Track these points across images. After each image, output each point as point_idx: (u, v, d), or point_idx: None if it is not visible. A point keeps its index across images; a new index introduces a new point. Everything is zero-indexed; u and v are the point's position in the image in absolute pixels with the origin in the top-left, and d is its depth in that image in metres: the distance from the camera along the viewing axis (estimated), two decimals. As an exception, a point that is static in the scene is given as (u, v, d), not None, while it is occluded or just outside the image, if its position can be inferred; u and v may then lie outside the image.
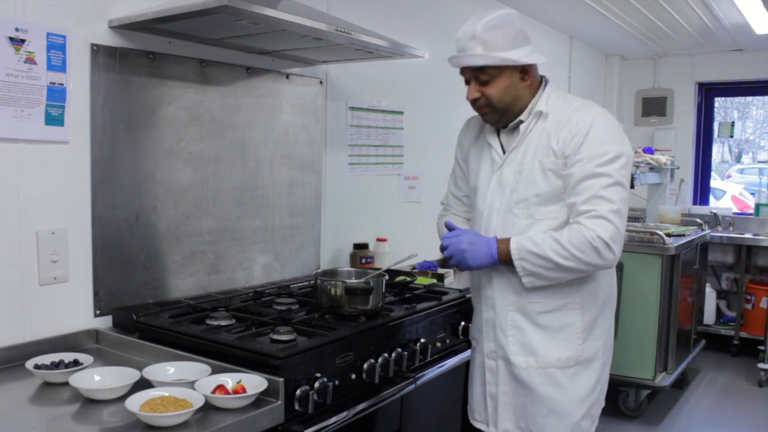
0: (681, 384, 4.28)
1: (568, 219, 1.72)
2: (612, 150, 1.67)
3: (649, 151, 4.64)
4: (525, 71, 1.75)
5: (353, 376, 1.76)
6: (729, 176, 9.07)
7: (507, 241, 1.71)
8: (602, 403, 1.88)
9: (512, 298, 1.79)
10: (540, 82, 1.82)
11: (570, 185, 1.69)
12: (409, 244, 3.05)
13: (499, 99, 1.74)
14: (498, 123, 1.82)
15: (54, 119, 1.74)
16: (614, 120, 1.76)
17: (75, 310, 1.83)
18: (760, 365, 4.43)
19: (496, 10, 1.73)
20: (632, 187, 3.94)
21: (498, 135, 1.86)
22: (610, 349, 1.87)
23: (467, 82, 1.79)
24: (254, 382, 1.46)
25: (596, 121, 1.70)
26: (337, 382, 1.68)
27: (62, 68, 1.75)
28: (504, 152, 1.83)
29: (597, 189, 1.65)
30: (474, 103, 1.78)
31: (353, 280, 1.98)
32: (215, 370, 1.53)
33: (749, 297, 4.96)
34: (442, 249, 1.78)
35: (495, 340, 1.83)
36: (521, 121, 1.79)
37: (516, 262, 1.69)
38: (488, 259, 1.73)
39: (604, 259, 1.65)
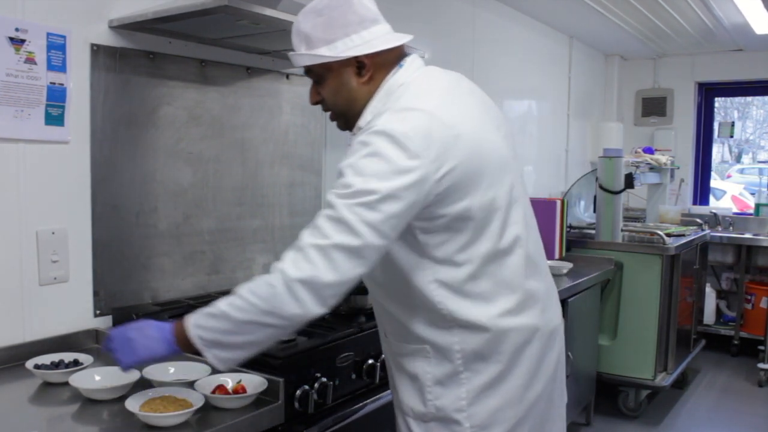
0: (681, 384, 4.28)
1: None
2: (355, 174, 1.24)
3: (649, 151, 4.64)
4: (361, 65, 1.39)
5: (353, 376, 1.77)
6: (729, 176, 9.08)
7: (184, 318, 1.33)
8: None
9: (382, 335, 1.54)
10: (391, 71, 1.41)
11: None
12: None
13: (333, 102, 1.43)
14: (348, 130, 1.48)
15: (54, 119, 1.74)
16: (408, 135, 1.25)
17: (75, 310, 1.83)
18: (760, 365, 4.43)
19: None
20: (632, 187, 3.99)
21: None
22: (501, 414, 1.38)
23: None
24: (254, 382, 1.46)
25: (367, 141, 1.27)
26: (337, 382, 1.68)
27: (62, 68, 1.75)
28: None
29: (319, 218, 1.26)
30: (321, 107, 1.49)
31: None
32: (215, 370, 1.52)
33: (749, 297, 4.96)
34: (107, 345, 1.38)
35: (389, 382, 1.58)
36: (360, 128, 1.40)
37: (192, 332, 1.28)
38: (163, 345, 1.31)
39: (303, 307, 1.22)
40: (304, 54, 1.39)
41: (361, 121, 1.39)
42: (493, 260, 1.36)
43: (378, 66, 1.39)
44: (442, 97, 1.37)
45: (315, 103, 1.47)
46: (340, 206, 1.23)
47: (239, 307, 1.25)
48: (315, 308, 1.23)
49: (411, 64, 1.43)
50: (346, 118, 1.45)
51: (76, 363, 1.59)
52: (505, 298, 1.38)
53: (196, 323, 1.29)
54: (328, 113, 1.48)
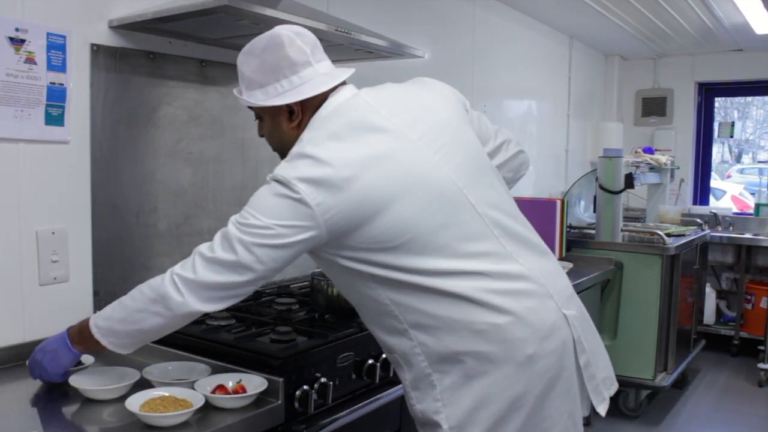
0: (681, 384, 4.28)
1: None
2: (251, 208, 1.35)
3: (649, 151, 4.64)
4: (291, 110, 1.43)
5: (353, 376, 1.76)
6: (729, 176, 9.08)
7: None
8: None
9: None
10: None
11: None
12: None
13: (269, 140, 1.52)
14: None
15: (54, 119, 1.74)
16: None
17: (75, 310, 1.83)
18: (760, 365, 4.44)
19: (272, 29, 1.44)
20: (632, 187, 3.99)
21: None
22: (478, 414, 1.36)
23: None
24: (254, 382, 1.46)
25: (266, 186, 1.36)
26: (337, 382, 1.68)
27: (62, 68, 1.75)
28: None
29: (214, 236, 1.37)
30: None
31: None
32: (215, 370, 1.53)
33: (749, 297, 4.96)
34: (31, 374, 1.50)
35: None
36: None
37: (91, 321, 1.41)
38: (64, 350, 1.45)
39: (169, 307, 1.34)
40: (242, 96, 1.47)
41: None
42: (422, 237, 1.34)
43: (307, 109, 1.43)
44: (341, 137, 1.36)
45: (261, 136, 1.54)
46: (233, 229, 1.33)
47: (132, 296, 1.38)
48: (198, 304, 1.33)
49: (333, 99, 1.43)
50: (281, 154, 1.49)
51: (77, 363, 1.59)
52: (438, 260, 1.34)
53: (96, 314, 1.42)
54: None
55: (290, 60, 1.40)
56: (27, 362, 1.50)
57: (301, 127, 1.43)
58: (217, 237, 1.35)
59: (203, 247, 1.36)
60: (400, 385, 1.88)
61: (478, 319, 1.34)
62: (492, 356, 1.35)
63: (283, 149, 1.47)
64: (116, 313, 1.39)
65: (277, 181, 1.32)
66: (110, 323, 1.39)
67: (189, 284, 1.33)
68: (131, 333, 1.38)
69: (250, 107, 1.49)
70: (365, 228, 1.31)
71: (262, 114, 1.49)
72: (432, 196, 1.35)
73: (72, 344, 1.44)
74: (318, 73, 1.43)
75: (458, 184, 1.39)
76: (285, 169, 1.34)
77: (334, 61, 2.54)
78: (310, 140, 1.37)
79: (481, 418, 1.36)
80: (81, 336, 1.43)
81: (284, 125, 1.45)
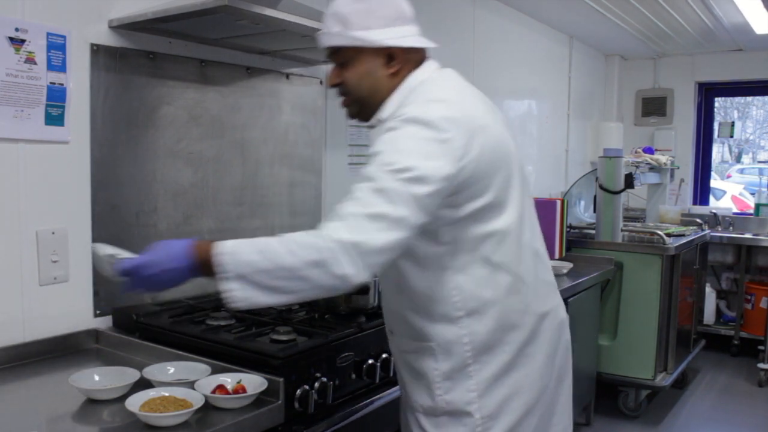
0: (681, 384, 4.28)
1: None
2: (388, 152, 1.29)
3: (649, 151, 4.64)
4: (391, 56, 1.42)
5: (353, 376, 1.76)
6: (729, 176, 9.09)
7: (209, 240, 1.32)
8: None
9: (388, 333, 1.56)
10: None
11: None
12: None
13: (354, 86, 1.45)
14: (359, 118, 1.51)
15: (54, 119, 1.74)
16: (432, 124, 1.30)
17: (75, 310, 1.83)
18: (760, 365, 4.43)
19: None
20: (632, 187, 3.99)
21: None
22: (510, 404, 1.42)
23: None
24: (254, 382, 1.46)
25: (398, 125, 1.32)
26: (337, 382, 1.68)
27: (62, 68, 1.75)
28: None
29: (358, 191, 1.27)
30: (337, 90, 1.49)
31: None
32: (215, 370, 1.53)
33: (749, 297, 4.96)
34: (123, 280, 1.34)
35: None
36: (380, 120, 1.45)
37: (216, 256, 1.23)
38: (180, 263, 1.28)
39: (334, 275, 1.21)
40: (341, 34, 1.41)
41: (383, 113, 1.43)
42: (492, 242, 1.39)
43: (405, 62, 1.44)
44: (462, 92, 1.44)
45: (334, 85, 1.48)
46: (384, 179, 1.24)
47: (290, 251, 1.22)
48: (363, 273, 1.22)
49: (429, 65, 1.49)
50: (363, 105, 1.47)
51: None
52: (504, 277, 1.41)
53: (228, 250, 1.24)
54: (341, 99, 1.49)
55: (398, 12, 1.42)
56: (121, 274, 1.32)
57: (398, 77, 1.44)
58: (366, 194, 1.24)
59: (356, 208, 1.23)
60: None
61: (530, 308, 1.43)
62: (532, 348, 1.44)
63: (370, 96, 1.45)
64: (258, 259, 1.23)
65: (419, 122, 1.28)
66: (244, 269, 1.23)
67: (359, 251, 1.20)
68: (266, 288, 1.24)
69: (334, 51, 1.45)
70: (477, 188, 1.34)
71: (353, 57, 1.43)
72: (518, 178, 1.45)
73: (191, 270, 1.28)
74: (417, 31, 1.46)
75: (526, 172, 1.51)
76: (423, 110, 1.30)
77: (334, 61, 2.55)
78: (432, 90, 1.39)
79: (513, 408, 1.41)
80: (204, 268, 1.26)
81: (380, 71, 1.43)
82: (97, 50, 1.83)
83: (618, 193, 3.85)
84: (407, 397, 1.52)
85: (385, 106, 1.43)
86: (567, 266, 3.30)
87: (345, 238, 1.20)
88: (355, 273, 1.21)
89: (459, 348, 1.41)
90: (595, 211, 4.02)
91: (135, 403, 1.33)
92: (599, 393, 3.72)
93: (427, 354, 1.44)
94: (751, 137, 10.04)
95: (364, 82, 1.44)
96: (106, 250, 1.43)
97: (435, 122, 1.28)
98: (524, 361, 1.42)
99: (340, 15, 1.41)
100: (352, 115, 1.52)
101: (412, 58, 1.45)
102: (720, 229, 5.19)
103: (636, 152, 4.53)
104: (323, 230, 1.23)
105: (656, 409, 3.97)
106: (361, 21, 1.39)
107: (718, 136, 5.82)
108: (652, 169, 4.47)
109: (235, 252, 1.24)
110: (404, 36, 1.42)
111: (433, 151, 1.27)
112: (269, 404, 1.44)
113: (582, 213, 4.58)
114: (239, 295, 1.23)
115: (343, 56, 1.44)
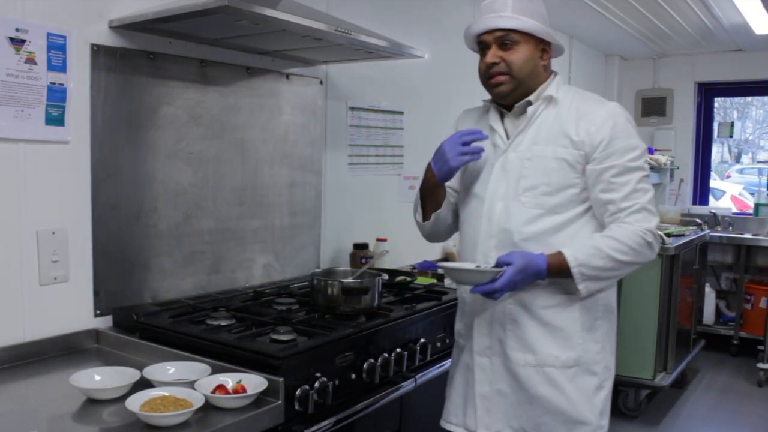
0: (680, 384, 4.28)
1: (579, 213, 1.68)
2: (638, 144, 1.68)
3: (649, 151, 4.64)
4: (545, 50, 1.73)
5: (353, 376, 1.77)
6: (729, 176, 9.08)
7: (557, 254, 1.63)
8: (606, 413, 1.74)
9: (517, 294, 1.70)
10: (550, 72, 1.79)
11: (603, 180, 1.65)
12: (409, 244, 3.05)
13: (520, 67, 1.68)
14: (508, 97, 1.73)
15: (54, 119, 1.74)
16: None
17: (75, 310, 1.83)
18: (760, 365, 4.44)
19: None
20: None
21: (502, 121, 1.79)
22: (612, 359, 1.77)
23: (484, 51, 1.72)
24: (254, 382, 1.46)
25: (617, 114, 1.67)
26: (337, 382, 1.68)
27: (62, 68, 1.75)
28: (508, 137, 1.75)
29: (635, 183, 1.64)
30: (489, 68, 1.70)
31: (349, 280, 1.98)
32: (215, 370, 1.53)
33: (748, 297, 4.96)
34: (492, 291, 1.60)
35: (489, 335, 1.74)
36: (529, 103, 1.73)
37: (573, 270, 1.61)
38: (535, 279, 1.65)
39: (654, 252, 1.67)
40: (526, 20, 1.67)
41: (542, 94, 1.72)
42: None
43: (549, 59, 1.76)
44: None
45: (493, 64, 1.69)
46: (645, 168, 1.68)
47: (622, 251, 1.62)
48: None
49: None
50: (519, 84, 1.70)
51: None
52: None
53: (577, 263, 1.61)
54: (491, 76, 1.71)
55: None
56: (497, 285, 1.57)
57: (546, 70, 1.75)
58: (645, 184, 1.66)
59: (646, 198, 1.66)
60: (400, 385, 1.90)
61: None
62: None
63: (529, 78, 1.71)
64: (603, 263, 1.61)
65: (627, 116, 1.70)
66: (596, 272, 1.62)
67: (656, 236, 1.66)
68: (608, 277, 1.66)
69: (507, 32, 1.67)
70: None
71: (524, 42, 1.68)
72: None
73: (546, 274, 1.63)
74: None
75: None
76: (640, 138, 1.71)
77: (334, 61, 2.56)
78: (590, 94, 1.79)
79: (610, 356, 1.78)
80: (559, 271, 1.62)
81: (538, 60, 1.72)
82: (97, 50, 1.83)
83: (618, 193, 3.84)
84: (535, 355, 1.69)
85: (545, 90, 1.72)
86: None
87: (652, 229, 1.65)
88: (656, 252, 1.69)
89: (595, 302, 1.71)
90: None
91: (135, 402, 1.33)
92: (599, 393, 3.71)
93: (571, 305, 1.68)
94: (751, 137, 10.04)
95: (528, 65, 1.70)
96: (455, 264, 1.75)
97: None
98: (615, 324, 1.80)
99: (526, 5, 1.68)
100: (504, 92, 1.73)
101: (552, 57, 1.77)
102: (719, 229, 5.19)
103: (636, 152, 4.52)
104: (639, 224, 1.63)
105: (656, 408, 3.97)
106: (531, 12, 1.68)
107: (718, 136, 5.82)
108: (652, 169, 4.48)
109: (583, 263, 1.61)
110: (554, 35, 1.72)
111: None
112: (269, 404, 1.44)
113: (582, 213, 4.57)
114: (591, 288, 1.65)
115: (512, 40, 1.68)
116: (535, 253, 1.63)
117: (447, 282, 2.65)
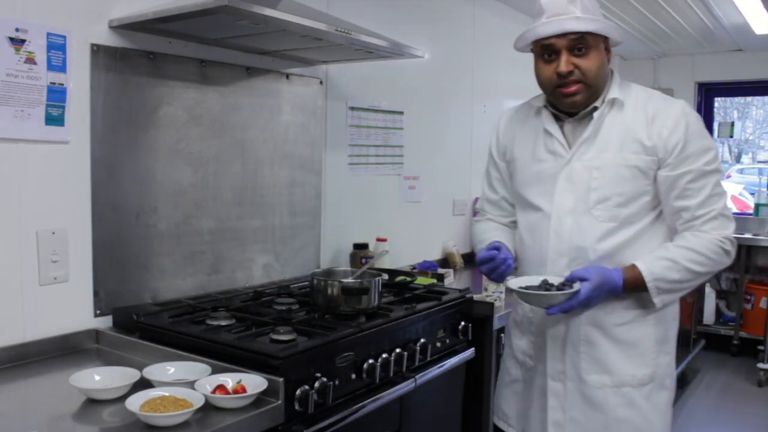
0: (681, 384, 4.28)
1: (650, 222, 1.60)
2: (712, 145, 1.59)
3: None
4: (608, 49, 1.60)
5: (353, 376, 1.77)
6: (729, 176, 9.08)
7: (632, 269, 1.57)
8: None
9: (585, 310, 1.63)
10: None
11: (678, 187, 1.55)
12: (409, 244, 3.05)
13: (595, 74, 1.56)
14: (580, 106, 1.61)
15: (54, 119, 1.74)
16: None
17: (75, 310, 1.83)
18: (760, 365, 4.44)
19: None
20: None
21: (559, 125, 1.67)
22: (673, 372, 1.75)
23: (550, 55, 1.59)
24: (254, 382, 1.46)
25: (689, 114, 1.57)
26: (337, 382, 1.68)
27: (62, 68, 1.75)
28: (569, 145, 1.64)
29: (710, 188, 1.56)
30: (562, 77, 1.56)
31: (349, 280, 1.98)
32: (215, 370, 1.53)
33: (749, 297, 4.96)
34: (568, 309, 1.55)
35: (563, 359, 1.66)
36: (595, 108, 1.60)
37: (649, 284, 1.56)
38: (610, 295, 1.59)
39: (731, 258, 1.60)
40: (599, 20, 1.54)
41: (608, 96, 1.61)
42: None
43: (611, 57, 1.64)
44: None
45: (568, 73, 1.56)
46: (720, 170, 1.59)
47: (699, 262, 1.55)
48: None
49: None
50: (593, 89, 1.59)
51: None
52: None
53: (653, 277, 1.55)
54: (563, 85, 1.58)
55: None
56: (573, 303, 1.54)
57: (607, 70, 1.62)
58: (720, 188, 1.58)
59: (721, 204, 1.58)
60: (400, 385, 1.90)
61: None
62: None
63: (601, 81, 1.59)
64: (680, 275, 1.56)
65: (699, 120, 1.60)
66: (671, 285, 1.57)
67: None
68: (684, 288, 1.61)
69: (580, 37, 1.54)
70: None
71: (596, 46, 1.56)
72: None
73: (621, 291, 1.57)
74: None
75: None
76: (694, 111, 1.62)
77: (334, 61, 2.56)
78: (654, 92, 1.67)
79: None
80: (634, 286, 1.57)
81: (605, 62, 1.59)
82: (97, 50, 1.83)
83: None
84: (611, 375, 1.62)
85: (609, 91, 1.61)
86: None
87: (730, 236, 1.59)
88: (733, 257, 1.61)
89: (665, 313, 1.65)
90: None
91: (135, 402, 1.33)
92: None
93: (644, 320, 1.63)
94: (751, 137, 10.05)
95: (602, 69, 1.58)
96: (521, 282, 1.62)
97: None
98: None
99: (590, 4, 1.55)
100: (579, 102, 1.60)
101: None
102: (720, 229, 5.18)
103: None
104: (716, 232, 1.57)
105: (656, 409, 3.96)
106: (595, 11, 1.55)
107: (718, 136, 5.82)
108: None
109: (659, 278, 1.56)
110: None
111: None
112: (269, 404, 1.44)
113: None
114: (666, 300, 1.60)
115: (586, 44, 1.55)
116: (610, 269, 1.55)
117: (447, 282, 2.65)
